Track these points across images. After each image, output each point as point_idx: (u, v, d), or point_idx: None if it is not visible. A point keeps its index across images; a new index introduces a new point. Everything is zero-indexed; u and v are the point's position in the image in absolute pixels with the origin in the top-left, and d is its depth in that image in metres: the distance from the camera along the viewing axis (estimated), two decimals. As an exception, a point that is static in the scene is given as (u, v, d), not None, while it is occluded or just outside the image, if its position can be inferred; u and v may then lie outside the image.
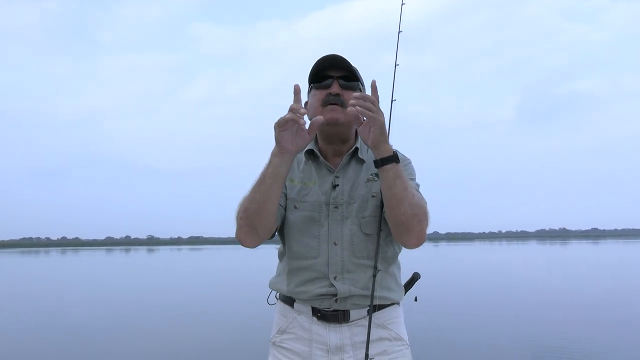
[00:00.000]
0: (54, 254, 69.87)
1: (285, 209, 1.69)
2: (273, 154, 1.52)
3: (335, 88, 1.64)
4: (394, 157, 1.51)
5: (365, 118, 1.50)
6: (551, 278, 18.24)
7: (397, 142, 1.67)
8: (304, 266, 1.66)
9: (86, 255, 58.15)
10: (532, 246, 65.39)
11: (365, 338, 1.57)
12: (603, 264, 27.30)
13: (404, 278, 1.80)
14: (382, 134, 1.50)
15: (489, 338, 7.54)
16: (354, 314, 1.63)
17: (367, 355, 1.55)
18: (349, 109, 1.47)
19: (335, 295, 1.61)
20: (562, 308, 10.50)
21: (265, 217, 1.55)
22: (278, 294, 1.77)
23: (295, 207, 1.68)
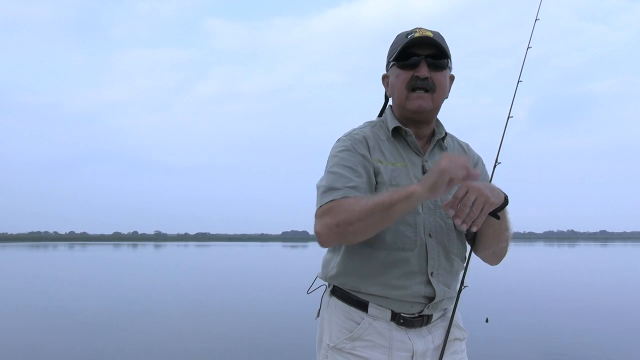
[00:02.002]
0: (62, 248, 70.33)
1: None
2: (417, 195, 1.29)
3: (423, 70, 1.46)
4: (504, 204, 1.43)
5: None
6: (559, 280, 18.13)
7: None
8: (400, 258, 1.45)
9: (94, 250, 58.48)
10: (539, 248, 65.03)
11: (442, 339, 1.53)
12: (612, 266, 27.10)
13: None
14: (496, 199, 1.37)
15: (495, 339, 7.50)
16: (434, 315, 1.54)
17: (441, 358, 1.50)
18: (466, 227, 1.31)
19: (430, 298, 1.48)
20: (570, 310, 10.43)
21: (361, 238, 1.38)
22: (333, 292, 1.54)
23: (387, 191, 1.42)
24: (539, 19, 1.71)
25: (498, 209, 1.40)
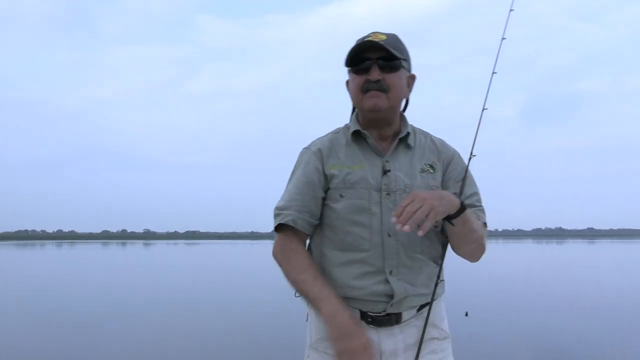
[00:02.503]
0: (50, 247, 69.72)
1: (324, 205, 1.56)
2: (323, 318, 1.39)
3: (374, 74, 1.50)
4: (460, 210, 1.44)
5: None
6: (545, 276, 18.28)
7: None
8: (356, 259, 1.51)
9: (82, 249, 58.04)
10: (528, 245, 65.52)
11: (417, 339, 1.52)
12: (600, 263, 27.38)
13: None
14: (446, 208, 1.40)
15: (484, 336, 7.55)
16: (405, 314, 1.53)
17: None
18: (409, 228, 1.33)
19: (391, 296, 1.49)
20: (556, 306, 10.52)
21: None
22: None
23: (341, 195, 1.53)
24: (513, 10, 1.73)
25: (453, 216, 1.44)
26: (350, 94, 1.59)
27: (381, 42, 1.49)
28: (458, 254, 1.59)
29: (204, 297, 12.71)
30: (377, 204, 1.51)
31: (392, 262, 1.50)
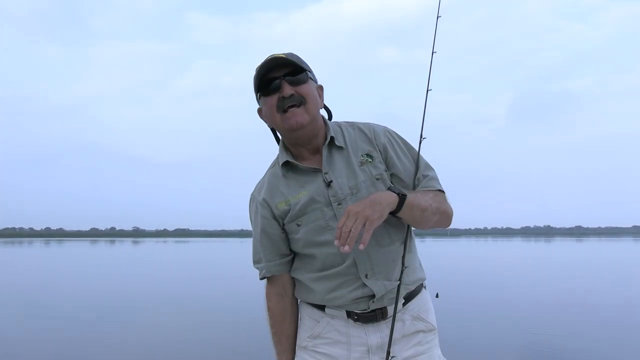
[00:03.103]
0: (38, 244, 69.13)
1: (290, 239, 1.61)
2: None
3: (286, 89, 1.51)
4: (401, 201, 1.45)
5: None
6: (536, 274, 18.43)
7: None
8: (327, 275, 1.55)
9: (70, 247, 57.59)
10: (517, 243, 66.04)
11: (403, 332, 1.55)
12: (588, 261, 27.65)
13: None
14: (383, 211, 1.41)
15: (474, 333, 7.60)
16: (390, 309, 1.55)
17: (388, 353, 1.50)
18: (350, 245, 1.37)
19: (373, 296, 1.53)
20: (547, 304, 10.61)
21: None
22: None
23: (297, 225, 1.56)
24: (435, 52, 1.72)
25: (397, 210, 1.45)
26: (267, 119, 1.59)
27: (282, 56, 1.51)
28: (425, 229, 1.60)
29: (193, 295, 12.67)
30: (332, 218, 1.52)
31: (365, 266, 1.52)
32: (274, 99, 1.52)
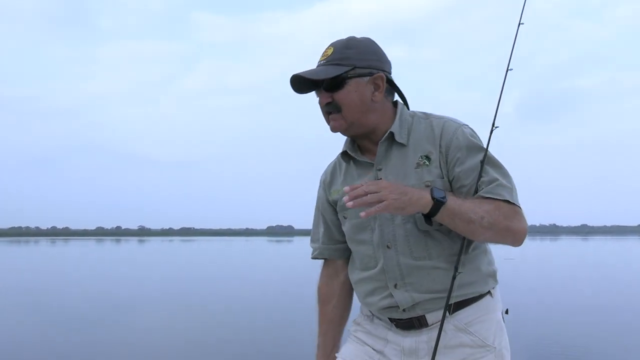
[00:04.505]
0: (44, 243, 69.46)
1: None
2: None
3: (323, 98, 1.47)
4: (436, 206, 1.32)
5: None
6: (543, 273, 18.38)
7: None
8: (364, 277, 1.54)
9: (76, 246, 57.84)
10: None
11: (445, 343, 1.42)
12: (595, 259, 27.54)
13: None
14: (405, 204, 1.31)
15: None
16: (430, 317, 1.46)
17: None
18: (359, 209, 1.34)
19: (398, 307, 1.47)
20: (552, 302, 10.59)
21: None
22: None
23: (344, 217, 1.56)
24: (523, 23, 1.60)
25: (430, 213, 1.34)
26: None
27: (321, 63, 1.47)
28: (480, 242, 1.49)
29: (200, 294, 12.70)
30: (374, 218, 1.46)
31: (394, 275, 1.46)
32: (319, 101, 1.50)
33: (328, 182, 1.63)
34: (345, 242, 1.60)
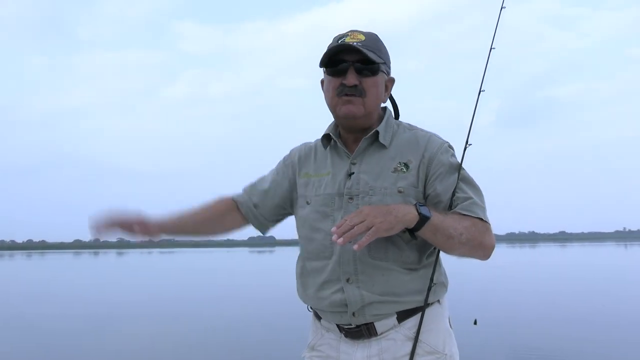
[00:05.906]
0: (19, 257, 67.97)
1: (295, 213, 1.60)
2: None
3: (350, 78, 1.42)
4: (420, 222, 1.33)
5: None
6: (523, 280, 18.55)
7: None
8: (317, 267, 1.49)
9: (53, 259, 56.74)
10: (502, 250, 66.44)
11: (394, 354, 1.42)
12: (572, 266, 27.93)
13: None
14: (393, 224, 1.31)
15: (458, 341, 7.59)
16: (379, 326, 1.43)
17: None
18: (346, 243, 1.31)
19: (347, 305, 1.44)
20: (532, 309, 10.67)
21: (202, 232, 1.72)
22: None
23: (307, 202, 1.53)
24: (505, 7, 1.66)
25: (415, 228, 1.34)
26: (325, 94, 1.51)
27: (359, 45, 1.41)
28: (454, 256, 1.50)
29: (179, 306, 12.52)
30: (339, 209, 1.46)
31: (348, 269, 1.44)
32: (337, 81, 1.44)
33: (301, 162, 1.60)
34: (264, 215, 1.64)
